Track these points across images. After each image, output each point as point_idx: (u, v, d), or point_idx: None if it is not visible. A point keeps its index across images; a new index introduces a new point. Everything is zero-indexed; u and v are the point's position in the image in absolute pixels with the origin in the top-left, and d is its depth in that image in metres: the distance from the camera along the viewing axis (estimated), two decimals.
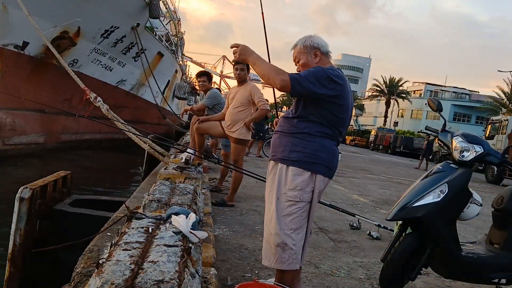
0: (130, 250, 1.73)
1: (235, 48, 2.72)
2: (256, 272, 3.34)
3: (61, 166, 7.93)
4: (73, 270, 2.73)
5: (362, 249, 4.47)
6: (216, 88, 8.22)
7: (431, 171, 3.20)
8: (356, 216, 5.41)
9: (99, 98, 7.63)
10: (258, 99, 5.69)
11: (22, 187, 4.58)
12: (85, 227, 4.33)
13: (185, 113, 10.45)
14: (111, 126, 8.51)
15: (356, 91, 74.29)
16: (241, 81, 5.84)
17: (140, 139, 7.27)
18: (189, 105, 23.85)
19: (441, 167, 3.14)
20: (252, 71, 5.51)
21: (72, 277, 2.61)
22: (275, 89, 3.00)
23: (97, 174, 14.01)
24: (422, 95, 67.84)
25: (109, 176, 14.13)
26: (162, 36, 25.88)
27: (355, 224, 5.32)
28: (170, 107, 25.46)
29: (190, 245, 1.92)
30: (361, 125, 70.35)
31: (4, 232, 4.77)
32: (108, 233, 3.33)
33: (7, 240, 4.60)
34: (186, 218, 2.17)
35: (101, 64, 18.63)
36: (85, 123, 16.62)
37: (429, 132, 3.58)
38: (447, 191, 2.94)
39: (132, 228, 2.08)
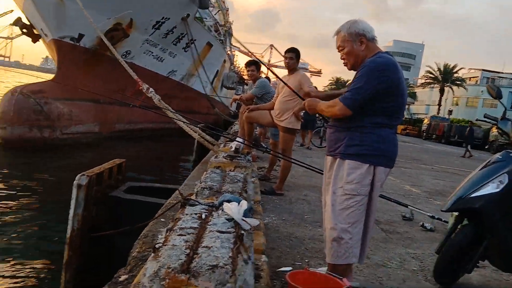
0: (185, 235, 1.76)
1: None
2: (306, 260, 3.33)
3: (115, 154, 8.19)
4: (128, 255, 2.81)
5: (414, 240, 4.38)
6: (265, 77, 8.19)
7: (489, 161, 3.08)
8: (409, 207, 5.29)
9: (151, 89, 7.82)
10: (308, 88, 5.63)
11: (79, 175, 4.77)
12: (139, 213, 4.46)
13: (234, 102, 10.58)
14: (162, 116, 8.70)
15: (408, 79, 72.05)
16: (291, 69, 5.81)
17: (191, 128, 7.39)
18: (237, 94, 23.97)
19: (500, 157, 3.02)
20: (301, 60, 5.47)
21: (127, 261, 2.69)
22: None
23: (149, 162, 14.37)
24: (478, 82, 65.12)
25: (161, 164, 14.48)
26: (211, 26, 26.09)
27: (407, 215, 5.21)
28: (218, 97, 25.71)
29: (242, 232, 1.94)
30: (413, 113, 68.44)
31: (64, 217, 4.98)
32: (161, 219, 3.41)
33: (66, 225, 4.81)
34: (238, 205, 2.19)
35: (152, 55, 19.01)
36: (138, 113, 17.07)
37: (488, 120, 3.44)
38: (507, 181, 2.82)
39: (186, 214, 2.12)
